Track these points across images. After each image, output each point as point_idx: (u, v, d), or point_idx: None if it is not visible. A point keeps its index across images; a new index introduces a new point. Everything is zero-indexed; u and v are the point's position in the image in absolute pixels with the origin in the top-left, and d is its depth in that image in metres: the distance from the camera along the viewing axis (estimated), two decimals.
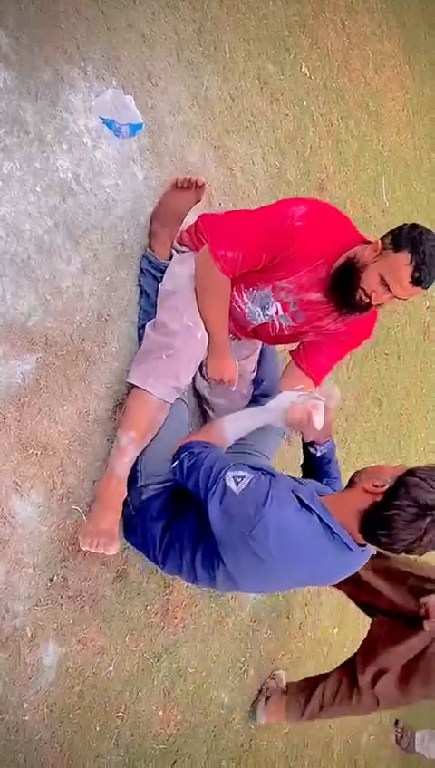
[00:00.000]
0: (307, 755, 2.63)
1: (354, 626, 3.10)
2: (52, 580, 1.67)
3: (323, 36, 3.29)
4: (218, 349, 1.98)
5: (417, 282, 1.69)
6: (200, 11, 2.37)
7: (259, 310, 1.97)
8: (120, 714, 1.83)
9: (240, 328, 2.09)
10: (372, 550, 1.60)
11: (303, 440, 1.89)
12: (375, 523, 1.46)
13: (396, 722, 3.47)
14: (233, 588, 1.68)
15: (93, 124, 1.88)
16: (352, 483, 1.63)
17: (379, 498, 1.47)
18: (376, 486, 1.49)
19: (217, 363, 2.00)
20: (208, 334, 1.92)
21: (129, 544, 1.87)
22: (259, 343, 2.26)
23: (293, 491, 1.55)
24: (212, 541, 1.60)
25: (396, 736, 3.44)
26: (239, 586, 1.63)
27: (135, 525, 1.80)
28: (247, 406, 2.16)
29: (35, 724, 1.61)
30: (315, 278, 1.83)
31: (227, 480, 1.53)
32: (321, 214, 1.78)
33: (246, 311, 1.98)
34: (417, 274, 1.68)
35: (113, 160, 1.94)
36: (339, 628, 2.94)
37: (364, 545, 1.55)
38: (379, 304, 1.80)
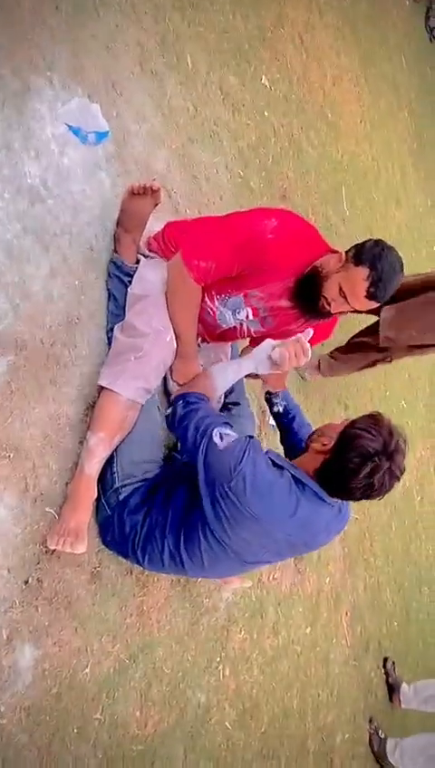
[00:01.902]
0: (283, 754, 2.65)
1: (326, 625, 3.14)
2: (27, 582, 1.67)
3: (282, 50, 3.39)
4: (186, 353, 2.02)
5: (371, 296, 1.77)
6: (162, 23, 2.43)
7: (230, 314, 2.01)
8: (98, 715, 1.83)
9: (209, 331, 2.14)
10: (347, 507, 1.75)
11: (268, 404, 2.13)
12: (328, 479, 1.60)
13: (370, 720, 3.50)
14: (220, 557, 1.73)
15: (60, 132, 1.91)
16: (307, 447, 1.76)
17: (327, 456, 1.60)
18: (324, 445, 1.62)
19: (183, 367, 2.04)
20: (177, 339, 1.96)
21: (103, 547, 1.88)
22: (229, 349, 2.31)
23: (265, 453, 1.68)
24: (193, 522, 1.68)
25: (369, 734, 3.46)
26: (226, 547, 1.69)
27: (111, 525, 1.82)
28: (220, 411, 2.20)
29: (13, 727, 1.60)
30: (285, 287, 1.89)
31: (214, 435, 1.66)
32: (291, 227, 1.84)
33: (217, 313, 2.03)
34: (372, 290, 1.75)
35: (80, 167, 1.97)
36: (311, 628, 2.98)
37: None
38: (340, 312, 1.87)
